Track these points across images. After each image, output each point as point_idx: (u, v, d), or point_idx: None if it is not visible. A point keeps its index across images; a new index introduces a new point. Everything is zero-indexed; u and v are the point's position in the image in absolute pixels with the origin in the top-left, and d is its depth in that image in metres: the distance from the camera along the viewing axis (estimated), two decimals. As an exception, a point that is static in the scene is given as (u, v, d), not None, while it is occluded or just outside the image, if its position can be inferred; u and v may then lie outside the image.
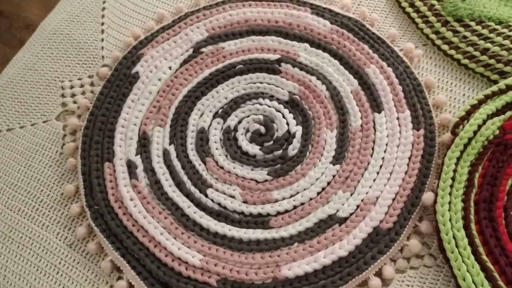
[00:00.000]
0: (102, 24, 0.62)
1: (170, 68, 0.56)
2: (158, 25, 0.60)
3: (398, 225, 0.45)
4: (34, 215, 0.50)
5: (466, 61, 0.53)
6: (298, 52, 0.55)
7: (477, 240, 0.42)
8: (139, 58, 0.57)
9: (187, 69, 0.56)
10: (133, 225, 0.47)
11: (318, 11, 0.58)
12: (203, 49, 0.57)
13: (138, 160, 0.51)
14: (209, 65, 0.56)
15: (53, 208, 0.50)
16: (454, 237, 0.43)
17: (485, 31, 0.53)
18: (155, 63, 0.56)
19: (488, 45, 0.53)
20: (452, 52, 0.54)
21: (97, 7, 0.64)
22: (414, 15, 0.57)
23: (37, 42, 0.62)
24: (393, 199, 0.46)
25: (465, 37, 0.54)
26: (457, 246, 0.42)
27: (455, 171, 0.46)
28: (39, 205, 0.51)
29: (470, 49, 0.53)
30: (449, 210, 0.44)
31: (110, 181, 0.50)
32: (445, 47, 0.54)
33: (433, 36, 0.55)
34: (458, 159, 0.46)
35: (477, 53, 0.53)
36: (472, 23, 0.54)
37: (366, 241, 0.45)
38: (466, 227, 0.43)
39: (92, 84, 0.58)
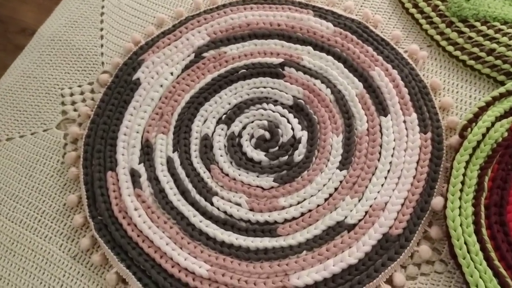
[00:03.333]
0: (101, 29, 0.61)
1: (171, 73, 0.55)
2: (158, 30, 0.59)
3: (408, 231, 0.45)
4: (37, 226, 0.49)
5: (472, 62, 0.52)
6: (302, 55, 0.55)
7: (489, 246, 0.42)
8: (140, 64, 0.56)
9: (189, 75, 0.55)
10: (138, 236, 0.46)
11: (321, 13, 0.57)
12: (205, 54, 0.56)
13: (141, 168, 0.50)
14: (212, 70, 0.55)
15: (55, 219, 0.49)
16: (465, 243, 0.42)
17: (490, 32, 0.53)
18: (156, 69, 0.55)
19: (494, 45, 0.52)
20: (458, 53, 0.53)
21: (95, 12, 0.63)
22: (418, 16, 0.56)
23: (35, 49, 0.61)
24: (402, 205, 0.46)
25: (470, 37, 0.53)
26: (468, 252, 0.42)
27: (464, 175, 0.45)
28: (41, 216, 0.50)
29: (475, 50, 0.52)
30: (459, 215, 0.43)
31: (114, 191, 0.49)
32: (450, 48, 0.54)
33: (437, 37, 0.55)
34: (467, 162, 0.46)
35: (482, 54, 0.52)
36: (477, 24, 0.54)
37: (376, 248, 0.44)
38: (477, 232, 0.42)
39: (92, 91, 0.57)
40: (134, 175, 0.49)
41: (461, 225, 0.43)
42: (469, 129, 0.47)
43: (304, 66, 0.54)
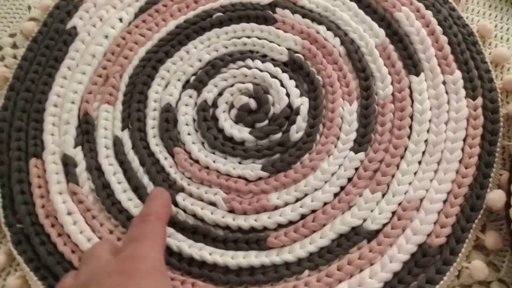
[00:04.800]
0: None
1: (120, 20, 0.40)
2: (103, -40, 0.43)
3: (454, 239, 0.31)
4: None
5: (535, -2, 0.38)
6: (300, -9, 0.40)
7: None
8: (76, 7, 0.41)
9: (144, 21, 0.40)
10: (72, 252, 0.33)
11: None
12: (166, -8, 0.41)
13: (78, 154, 0.36)
14: (175, 14, 0.40)
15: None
16: (540, 260, 0.29)
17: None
18: (99, 14, 0.40)
19: None
20: (516, -15, 0.38)
21: None
22: None
23: None
24: (445, 202, 0.32)
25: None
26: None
27: (535, 159, 0.32)
28: None
29: (541, -20, 0.38)
30: (530, 218, 0.30)
31: (39, 187, 0.35)
32: (505, -22, 0.39)
33: (487, -36, 0.40)
34: (539, 141, 0.32)
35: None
36: None
37: (409, 266, 0.31)
38: (557, 243, 0.29)
39: (14, 46, 0.42)
40: (68, 164, 0.35)
41: (532, 232, 0.30)
42: (539, 93, 0.33)
43: (303, 7, 0.39)
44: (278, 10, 0.39)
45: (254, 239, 0.33)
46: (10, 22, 0.43)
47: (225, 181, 0.34)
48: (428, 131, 0.34)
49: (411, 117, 0.35)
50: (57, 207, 0.34)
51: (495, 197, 0.32)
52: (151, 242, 0.27)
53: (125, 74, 0.38)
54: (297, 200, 0.34)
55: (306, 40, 0.38)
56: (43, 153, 0.36)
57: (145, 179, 0.35)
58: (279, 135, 0.36)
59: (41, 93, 0.38)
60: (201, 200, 0.34)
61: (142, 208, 0.31)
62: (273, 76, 0.37)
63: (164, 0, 0.40)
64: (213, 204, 0.34)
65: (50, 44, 0.40)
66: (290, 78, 0.37)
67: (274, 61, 0.38)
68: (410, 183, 0.33)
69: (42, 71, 0.39)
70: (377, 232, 0.32)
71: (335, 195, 0.33)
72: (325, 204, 0.33)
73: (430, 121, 0.35)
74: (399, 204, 0.33)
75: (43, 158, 0.36)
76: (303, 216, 0.33)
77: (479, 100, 0.35)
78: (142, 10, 0.40)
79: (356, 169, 0.34)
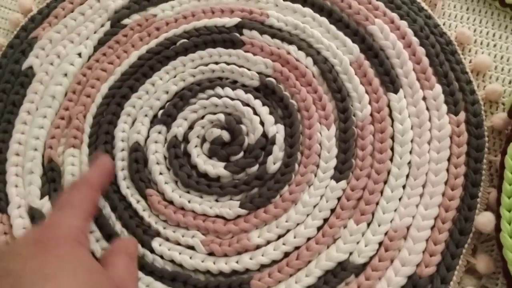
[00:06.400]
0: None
1: (79, 55, 0.38)
2: (57, -9, 0.41)
3: (444, 267, 0.30)
4: None
5: (513, -1, 0.36)
6: (266, 9, 0.37)
7: None
8: (31, 44, 0.38)
9: (104, 54, 0.38)
10: (45, 312, 0.31)
11: None
12: (125, 21, 0.38)
13: (45, 205, 0.34)
14: (137, 44, 0.38)
15: None
16: (535, 286, 0.28)
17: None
18: (56, 50, 0.38)
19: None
20: (493, -14, 0.37)
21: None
22: None
23: None
24: (432, 228, 0.31)
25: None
26: (541, 300, 0.28)
27: (523, 177, 0.30)
28: None
29: (518, -21, 0.36)
30: (522, 241, 0.29)
31: (7, 244, 0.33)
32: (480, -20, 0.37)
33: (461, -35, 0.38)
34: (526, 157, 0.30)
35: (529, -16, 0.36)
36: None
37: (400, 300, 0.29)
38: (552, 267, 0.28)
39: (-30, 90, 0.39)
40: (35, 217, 0.33)
41: (525, 257, 0.28)
42: (523, 104, 0.32)
43: (272, 26, 0.37)
44: (245, 31, 0.37)
45: (237, 282, 0.31)
46: (-36, 64, 0.40)
47: (202, 222, 0.33)
48: (410, 152, 0.33)
49: (392, 138, 0.33)
50: (27, 265, 0.32)
51: (484, 220, 0.30)
52: (74, 210, 0.27)
53: (88, 114, 0.36)
54: (279, 237, 0.32)
55: (277, 62, 0.36)
56: (8, 207, 0.34)
57: (118, 226, 0.33)
58: (255, 167, 0.34)
59: (1, 141, 0.36)
60: (179, 244, 0.33)
61: None
62: (245, 104, 0.35)
63: (124, 30, 0.38)
64: (191, 247, 0.32)
65: (7, 87, 0.37)
66: (263, 104, 0.35)
67: (245, 87, 0.36)
68: (395, 210, 0.32)
69: (0, 118, 0.36)
70: (364, 265, 0.31)
71: (318, 228, 0.32)
72: (309, 239, 0.32)
73: (412, 141, 0.33)
74: (386, 233, 0.31)
75: (8, 213, 0.34)
76: (286, 254, 0.32)
77: (462, 115, 0.33)
78: (101, 42, 0.38)
79: (339, 198, 0.32)
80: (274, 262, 0.31)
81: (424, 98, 0.34)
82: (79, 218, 0.27)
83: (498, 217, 0.30)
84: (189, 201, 0.33)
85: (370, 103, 0.34)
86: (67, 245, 0.24)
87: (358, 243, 0.31)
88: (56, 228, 0.25)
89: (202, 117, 0.36)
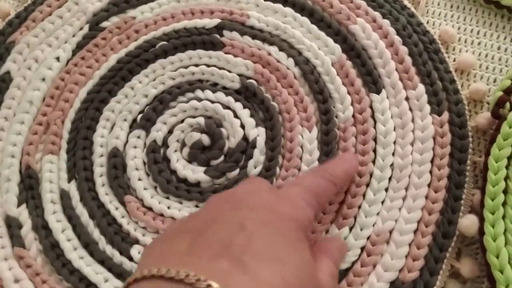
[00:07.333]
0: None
1: (57, 59, 0.37)
2: (35, -7, 0.40)
3: (427, 272, 0.29)
4: None
5: (498, -5, 0.35)
6: (247, 10, 0.37)
7: (557, 293, 0.27)
8: (8, 49, 0.37)
9: (83, 58, 0.37)
10: (23, 322, 0.30)
11: None
12: (104, 24, 0.38)
13: (22, 213, 0.33)
14: (116, 47, 0.37)
15: None
16: (519, 290, 0.27)
17: None
18: (34, 55, 0.37)
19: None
20: (477, -17, 0.36)
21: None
22: None
23: None
24: (415, 231, 0.30)
25: (493, -43, 0.36)
26: (525, 304, 0.27)
27: (507, 178, 0.29)
28: None
29: (503, -25, 0.35)
30: (506, 244, 0.28)
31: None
32: (464, -24, 0.36)
33: (444, -38, 0.37)
34: (510, 158, 0.30)
35: (514, -19, 0.35)
36: None
37: (382, 306, 0.29)
38: (536, 270, 0.27)
39: None
40: (12, 226, 0.33)
41: (510, 260, 0.28)
42: (507, 104, 0.31)
43: (252, 27, 0.36)
44: (225, 33, 0.36)
45: (217, 290, 0.30)
46: None
47: (182, 228, 0.32)
48: (393, 154, 0.32)
49: (375, 140, 0.33)
50: (3, 275, 0.31)
51: (468, 223, 0.30)
52: (313, 200, 0.26)
53: (67, 120, 0.35)
54: (260, 242, 0.31)
55: (258, 64, 0.35)
56: (-15, 216, 0.33)
57: (96, 234, 0.33)
58: (236, 171, 0.33)
59: (-22, 148, 0.35)
60: (158, 251, 0.32)
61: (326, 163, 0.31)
62: (226, 107, 0.35)
63: (102, 33, 0.37)
64: (170, 255, 0.32)
65: (-17, 93, 0.37)
66: (244, 107, 0.35)
67: (225, 90, 0.35)
68: (378, 214, 0.31)
69: (-23, 124, 0.36)
70: (346, 270, 0.30)
71: (300, 233, 0.31)
72: (290, 244, 0.31)
73: (395, 143, 0.32)
74: (368, 238, 0.31)
75: (-15, 221, 0.33)
76: (267, 260, 0.31)
77: (445, 115, 0.32)
78: (80, 46, 0.37)
79: (320, 202, 0.32)
80: (254, 268, 0.31)
81: (407, 98, 0.33)
82: (311, 208, 0.25)
83: (482, 219, 0.29)
84: (168, 207, 0.33)
85: (352, 104, 0.34)
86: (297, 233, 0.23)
87: (340, 248, 0.30)
88: (293, 202, 0.25)
89: (182, 121, 0.35)
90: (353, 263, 0.30)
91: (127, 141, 0.35)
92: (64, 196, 0.34)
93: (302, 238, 0.23)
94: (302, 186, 0.26)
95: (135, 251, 0.32)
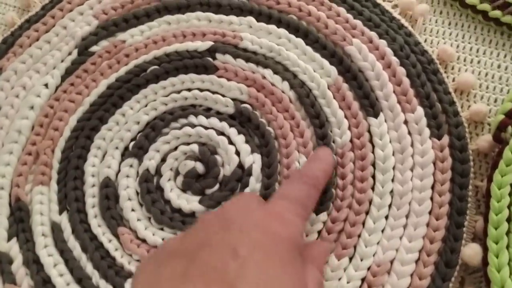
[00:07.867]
0: None
1: (46, 85, 0.36)
2: (22, 17, 0.39)
3: (430, 303, 0.29)
4: None
5: (497, 13, 0.34)
6: (240, 32, 0.36)
7: None
8: (-5, 76, 0.37)
9: (72, 84, 0.36)
10: None
11: (262, -39, 0.38)
12: (93, 48, 0.37)
13: (13, 247, 0.32)
14: (106, 72, 0.36)
15: None
16: (526, 324, 0.26)
17: (521, -39, 0.34)
18: (21, 82, 0.36)
19: (529, -18, 0.34)
20: (475, 0, 0.35)
21: None
22: None
23: None
24: (417, 261, 0.29)
25: (491, -27, 0.35)
26: (532, 339, 0.26)
27: (511, 205, 0.29)
28: None
29: (501, -8, 0.34)
30: (511, 275, 0.27)
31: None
32: (462, -7, 0.35)
33: (441, -21, 0.36)
34: (513, 184, 0.29)
35: (513, -2, 0.34)
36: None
37: None
38: (543, 302, 0.27)
39: None
40: (2, 261, 0.32)
41: (515, 292, 0.27)
42: (509, 128, 0.30)
43: (246, 49, 0.35)
44: (218, 56, 0.35)
45: (214, 325, 0.29)
46: None
47: (177, 261, 0.31)
48: (393, 180, 0.31)
49: (373, 165, 0.32)
50: (-6, 314, 0.30)
51: (471, 253, 0.29)
52: (297, 208, 0.26)
53: (57, 149, 0.34)
54: (258, 274, 0.30)
55: (252, 87, 0.34)
56: (-26, 251, 0.32)
57: (89, 268, 0.32)
58: (232, 200, 0.32)
59: (-34, 181, 0.34)
60: (153, 286, 0.31)
61: (302, 166, 0.31)
62: (220, 133, 0.34)
63: (92, 58, 0.36)
64: (166, 289, 0.31)
65: (-30, 123, 0.36)
66: (239, 132, 0.34)
67: (219, 115, 0.34)
68: (378, 243, 0.30)
69: (-36, 156, 0.35)
70: (347, 303, 0.29)
71: (298, 264, 0.30)
72: (288, 276, 0.30)
73: (394, 168, 0.31)
74: (368, 268, 0.30)
75: (-26, 257, 0.32)
76: (265, 293, 0.30)
77: (445, 139, 0.31)
78: (69, 72, 0.36)
79: (319, 232, 0.31)
80: (252, 301, 0.30)
81: (405, 122, 0.32)
82: (301, 218, 0.26)
83: (485, 249, 0.28)
84: (162, 239, 0.32)
85: (349, 128, 0.33)
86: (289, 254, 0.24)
87: (340, 279, 0.30)
88: (283, 221, 0.25)
89: (175, 148, 0.34)
90: (354, 295, 0.29)
91: (119, 170, 0.34)
92: (56, 229, 0.33)
93: (295, 256, 0.24)
94: (288, 199, 0.27)
95: (129, 285, 0.31)
